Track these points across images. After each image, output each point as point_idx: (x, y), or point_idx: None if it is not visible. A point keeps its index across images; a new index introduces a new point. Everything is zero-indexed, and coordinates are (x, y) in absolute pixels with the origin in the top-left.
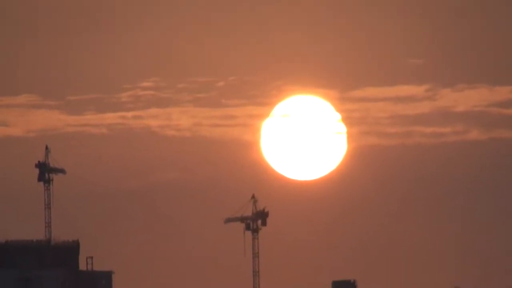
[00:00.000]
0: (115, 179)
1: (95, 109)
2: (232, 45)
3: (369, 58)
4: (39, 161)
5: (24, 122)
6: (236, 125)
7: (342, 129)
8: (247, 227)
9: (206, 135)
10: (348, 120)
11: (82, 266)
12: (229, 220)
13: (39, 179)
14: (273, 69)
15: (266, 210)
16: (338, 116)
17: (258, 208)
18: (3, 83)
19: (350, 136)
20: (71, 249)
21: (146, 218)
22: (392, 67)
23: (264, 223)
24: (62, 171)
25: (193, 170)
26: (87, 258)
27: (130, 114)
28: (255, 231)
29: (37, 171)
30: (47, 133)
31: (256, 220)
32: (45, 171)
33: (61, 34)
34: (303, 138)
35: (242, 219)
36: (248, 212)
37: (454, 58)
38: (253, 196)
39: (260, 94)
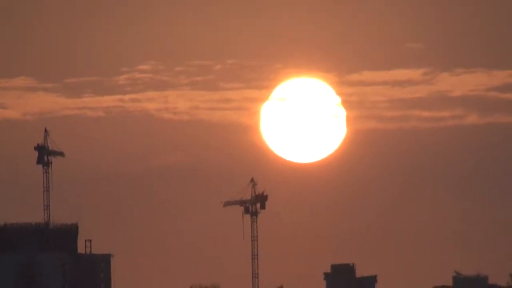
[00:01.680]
0: (113, 162)
1: (93, 92)
2: (230, 28)
3: (367, 42)
4: (38, 144)
5: (22, 105)
6: (233, 109)
7: (342, 112)
8: (246, 211)
9: (203, 118)
10: (346, 103)
11: (81, 249)
12: (228, 204)
13: (38, 162)
14: (271, 52)
15: (265, 194)
16: (337, 99)
17: (257, 191)
18: (2, 66)
19: (348, 120)
20: (70, 232)
21: (145, 201)
22: (389, 51)
23: (263, 206)
24: (61, 154)
25: (191, 154)
26: (85, 241)
27: (127, 97)
28: (254, 214)
29: (36, 153)
30: (44, 116)
31: (255, 204)
32: (44, 154)
33: (59, 17)
34: (302, 121)
35: (241, 203)
36: (247, 196)
37: (451, 42)
38: (252, 180)
39: (258, 77)
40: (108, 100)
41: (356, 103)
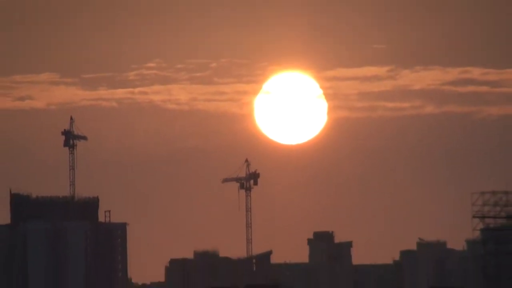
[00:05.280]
0: (126, 145)
1: (107, 85)
2: (224, 33)
3: (340, 44)
4: (65, 129)
5: (46, 97)
6: (227, 100)
7: (323, 103)
8: (241, 186)
9: (201, 109)
10: (324, 96)
11: (101, 218)
12: (226, 180)
13: (65, 145)
14: (258, 52)
15: (257, 172)
16: (319, 91)
17: (250, 170)
18: (28, 63)
19: (328, 109)
20: (92, 204)
21: (155, 177)
22: (359, 52)
23: (255, 183)
24: (84, 137)
25: (192, 138)
26: (105, 212)
27: (136, 90)
28: (248, 189)
29: (63, 138)
30: (65, 106)
31: (249, 180)
32: (70, 138)
33: (79, 22)
34: (289, 109)
35: (237, 180)
36: (242, 174)
37: (411, 44)
38: (246, 160)
39: (248, 73)
40: (120, 93)
41: (332, 95)
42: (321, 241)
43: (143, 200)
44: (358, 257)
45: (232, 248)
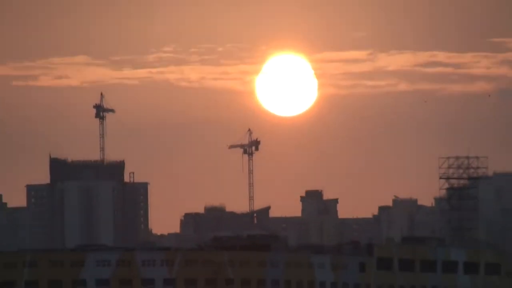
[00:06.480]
0: (147, 116)
1: (131, 66)
2: (230, 22)
3: (327, 31)
4: (96, 103)
5: (80, 76)
6: (232, 79)
7: (313, 81)
8: (245, 152)
9: (210, 86)
10: (314, 75)
11: (126, 179)
12: (232, 147)
13: (96, 116)
14: (258, 38)
15: (258, 140)
16: (311, 71)
17: (252, 138)
18: (64, 47)
19: (318, 86)
20: (118, 167)
21: (171, 144)
22: (343, 38)
23: (257, 149)
24: (112, 110)
25: (202, 111)
26: (130, 173)
27: (155, 70)
28: (250, 154)
29: (94, 110)
30: (96, 84)
31: (251, 147)
32: (100, 111)
33: (110, 13)
34: (285, 86)
35: (241, 146)
36: (246, 141)
37: (388, 32)
38: (248, 130)
39: (249, 56)
40: (141, 73)
41: (321, 75)
42: (312, 198)
43: (162, 163)
44: (343, 212)
45: (237, 204)
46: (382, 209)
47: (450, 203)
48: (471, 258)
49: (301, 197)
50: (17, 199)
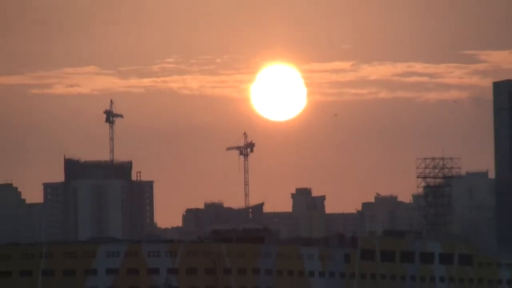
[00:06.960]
0: (152, 121)
1: (137, 76)
2: (228, 35)
3: (315, 44)
4: (106, 109)
5: (90, 84)
6: (229, 87)
7: (303, 89)
8: (241, 153)
9: (209, 94)
10: (303, 84)
11: (134, 178)
12: (229, 148)
13: (106, 121)
14: (253, 51)
15: (253, 142)
16: (300, 80)
17: (248, 141)
18: (77, 58)
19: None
20: (126, 166)
21: (174, 146)
22: (330, 50)
23: (252, 151)
24: (120, 116)
25: (202, 116)
26: (137, 173)
27: (159, 79)
28: (246, 156)
29: (104, 116)
30: (105, 92)
31: (246, 149)
32: (110, 116)
33: (117, 27)
34: (277, 94)
35: (237, 148)
36: (242, 143)
37: (370, 45)
38: (244, 133)
39: (244, 66)
40: (147, 81)
41: (309, 83)
42: (302, 195)
43: (166, 163)
44: (330, 207)
45: (234, 200)
46: (365, 205)
47: (427, 200)
48: (446, 249)
49: (291, 194)
50: (34, 196)
